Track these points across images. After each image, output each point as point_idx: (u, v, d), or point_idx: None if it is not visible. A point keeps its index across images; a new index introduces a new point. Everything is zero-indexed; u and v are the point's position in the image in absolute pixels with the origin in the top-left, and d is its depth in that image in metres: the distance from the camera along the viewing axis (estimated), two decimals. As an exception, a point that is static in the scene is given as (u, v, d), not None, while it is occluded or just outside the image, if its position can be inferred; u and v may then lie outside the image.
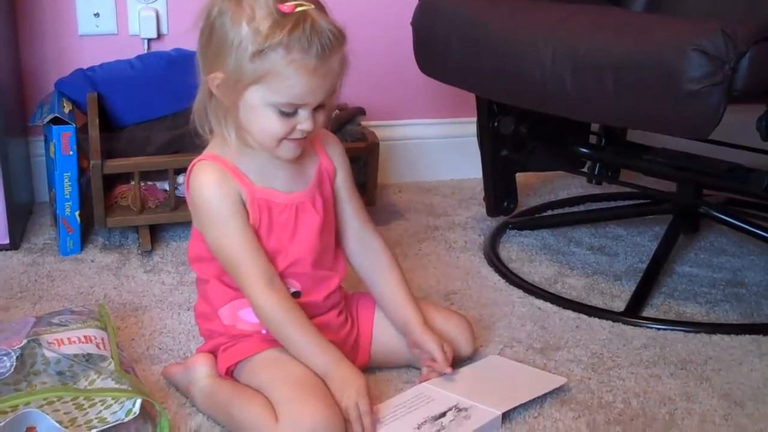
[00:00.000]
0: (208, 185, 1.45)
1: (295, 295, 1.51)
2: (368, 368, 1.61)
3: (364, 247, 1.60)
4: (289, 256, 1.50)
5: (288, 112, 1.41)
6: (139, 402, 1.35)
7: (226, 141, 1.46)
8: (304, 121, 1.42)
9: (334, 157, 1.57)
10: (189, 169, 1.50)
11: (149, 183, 2.14)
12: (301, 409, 1.37)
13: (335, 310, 1.57)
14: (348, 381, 1.43)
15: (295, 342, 1.46)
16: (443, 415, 1.47)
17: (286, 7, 1.36)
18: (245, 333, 1.51)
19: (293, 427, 1.36)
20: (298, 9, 1.36)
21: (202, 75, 1.45)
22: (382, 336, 1.61)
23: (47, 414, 1.32)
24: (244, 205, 1.46)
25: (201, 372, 1.52)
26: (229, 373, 1.51)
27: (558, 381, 1.59)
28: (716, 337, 1.77)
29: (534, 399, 1.53)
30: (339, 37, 1.39)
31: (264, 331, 1.50)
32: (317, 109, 1.43)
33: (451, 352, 1.57)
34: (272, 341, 1.49)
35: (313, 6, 1.38)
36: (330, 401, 1.40)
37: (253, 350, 1.50)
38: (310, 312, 1.51)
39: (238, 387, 1.48)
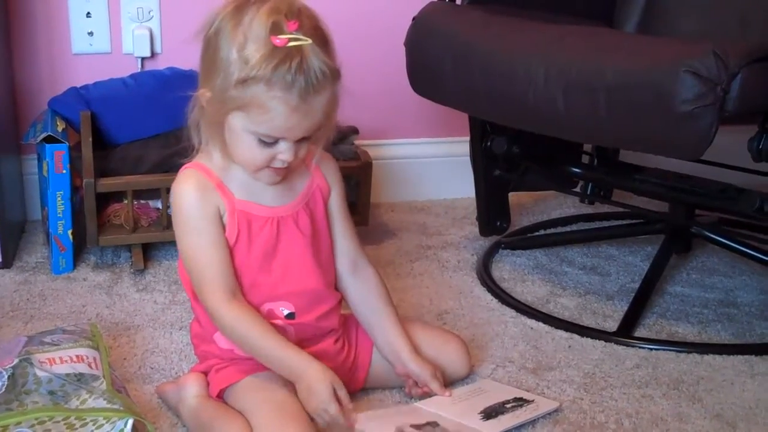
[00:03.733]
0: (188, 193, 1.46)
1: (289, 316, 1.51)
2: (362, 389, 1.61)
3: (353, 270, 1.60)
4: (273, 273, 1.50)
5: (268, 142, 1.40)
6: (130, 422, 1.35)
7: (210, 151, 1.47)
8: (284, 152, 1.41)
9: (328, 176, 1.57)
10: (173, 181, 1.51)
11: (142, 201, 2.14)
12: None
13: (332, 337, 1.57)
14: (313, 389, 1.42)
15: (260, 351, 1.46)
16: (434, 425, 1.47)
17: (278, 41, 1.35)
18: (244, 357, 1.51)
19: None
20: (292, 44, 1.35)
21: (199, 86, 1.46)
22: (380, 360, 1.61)
23: (38, 434, 1.32)
24: (222, 218, 1.47)
25: (191, 391, 1.52)
26: (221, 395, 1.51)
27: (550, 405, 1.58)
28: (708, 357, 1.78)
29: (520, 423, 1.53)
30: (328, 76, 1.37)
31: None
32: (301, 141, 1.42)
33: (441, 378, 1.57)
34: (260, 365, 1.49)
35: (309, 41, 1.36)
36: (310, 428, 1.40)
37: (245, 374, 1.49)
38: (305, 335, 1.51)
39: (222, 409, 1.48)
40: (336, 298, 1.57)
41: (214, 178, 1.47)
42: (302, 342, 1.50)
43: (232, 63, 1.36)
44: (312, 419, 1.43)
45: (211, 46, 1.40)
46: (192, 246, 1.46)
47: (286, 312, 1.51)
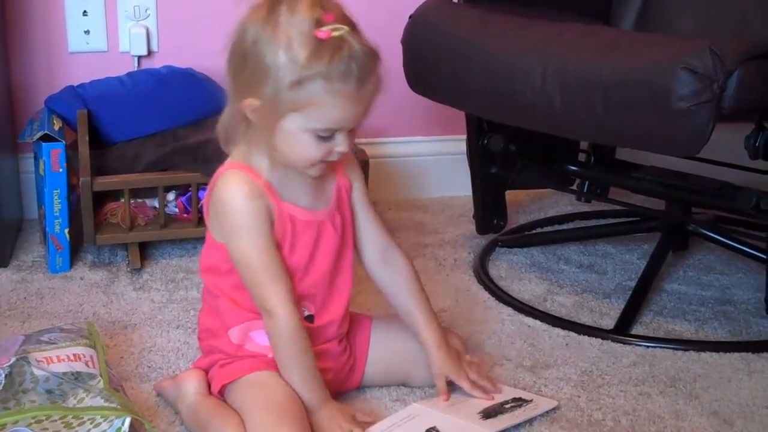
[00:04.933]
0: (238, 195, 1.43)
1: (308, 319, 1.51)
2: (357, 390, 1.62)
3: (383, 259, 1.59)
4: (308, 276, 1.49)
5: (325, 137, 1.40)
6: (128, 420, 1.35)
7: (251, 152, 1.45)
8: (341, 143, 1.41)
9: (349, 171, 1.56)
10: (214, 177, 1.48)
11: (139, 200, 2.14)
12: None
13: (338, 338, 1.57)
14: (335, 417, 1.44)
15: (293, 367, 1.45)
16: (436, 430, 1.47)
17: (322, 33, 1.34)
18: (251, 354, 1.50)
19: None
20: (335, 34, 1.34)
21: (232, 98, 1.43)
22: (376, 361, 1.61)
23: (36, 432, 1.32)
24: (271, 219, 1.45)
25: (190, 388, 1.52)
26: (222, 391, 1.50)
27: (549, 404, 1.59)
28: (705, 355, 1.78)
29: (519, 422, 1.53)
30: (374, 58, 1.38)
31: (270, 355, 1.49)
32: (351, 129, 1.42)
33: (481, 384, 1.57)
34: (269, 364, 1.48)
35: (347, 28, 1.36)
36: (303, 429, 1.40)
37: (248, 371, 1.49)
38: (316, 338, 1.51)
39: (220, 407, 1.48)
40: (347, 301, 1.57)
41: (261, 179, 1.44)
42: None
43: (281, 67, 1.35)
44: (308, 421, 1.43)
45: (251, 56, 1.37)
46: (248, 248, 1.43)
47: (307, 314, 1.50)
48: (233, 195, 1.44)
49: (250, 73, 1.38)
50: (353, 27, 1.39)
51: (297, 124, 1.38)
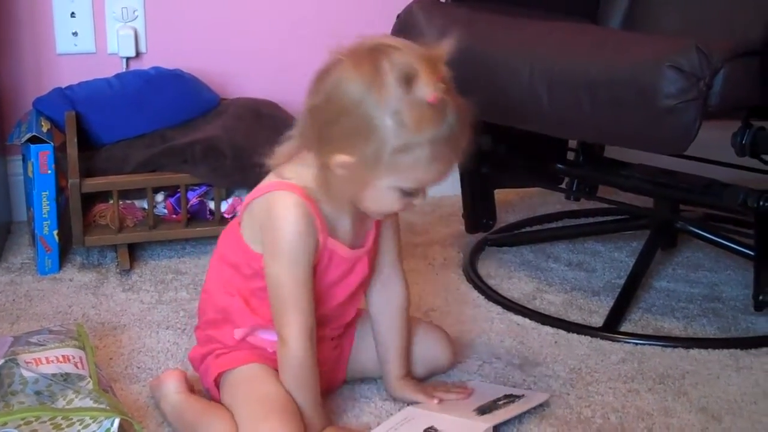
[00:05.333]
0: (296, 223, 1.40)
1: None
2: (348, 387, 1.62)
3: (383, 281, 1.58)
4: (321, 304, 1.49)
5: (411, 192, 1.39)
6: (117, 421, 1.35)
7: (307, 174, 1.41)
8: (421, 198, 1.41)
9: None
10: (267, 187, 1.44)
11: (128, 201, 2.14)
12: (260, 427, 1.39)
13: (334, 341, 1.58)
14: None
15: (297, 396, 1.44)
16: (434, 431, 1.47)
17: (431, 98, 1.30)
18: (251, 346, 1.51)
19: None
20: (440, 96, 1.31)
21: (315, 147, 1.38)
22: (359, 356, 1.62)
23: (25, 434, 1.32)
24: (316, 251, 1.44)
25: (170, 388, 1.52)
26: (217, 380, 1.51)
27: (540, 397, 1.59)
28: (694, 352, 1.78)
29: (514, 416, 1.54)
30: (470, 115, 1.35)
31: (271, 350, 1.49)
32: None
33: (447, 398, 1.58)
34: (267, 359, 1.49)
35: (445, 87, 1.33)
36: (293, 422, 1.40)
37: (243, 361, 1.49)
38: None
39: (206, 405, 1.49)
40: (348, 322, 1.58)
41: (316, 210, 1.42)
42: None
43: (387, 130, 1.31)
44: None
45: (351, 114, 1.32)
46: (286, 274, 1.42)
47: None
48: (290, 223, 1.40)
49: (348, 131, 1.34)
50: (449, 84, 1.35)
51: (388, 183, 1.36)
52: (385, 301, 1.59)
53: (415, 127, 1.31)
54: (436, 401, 1.56)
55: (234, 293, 1.50)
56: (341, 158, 1.35)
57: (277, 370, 1.47)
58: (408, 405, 1.57)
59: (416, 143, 1.31)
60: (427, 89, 1.31)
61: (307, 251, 1.42)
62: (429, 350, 1.63)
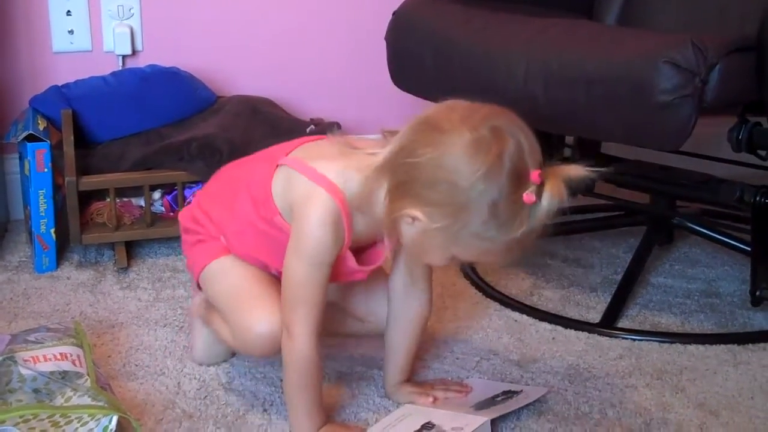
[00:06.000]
0: (327, 229, 1.40)
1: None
2: (345, 381, 1.62)
3: (406, 291, 1.57)
4: None
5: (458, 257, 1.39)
6: (115, 419, 1.35)
7: (354, 183, 1.40)
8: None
9: None
10: (314, 174, 1.41)
11: (125, 199, 2.14)
12: (244, 322, 1.49)
13: None
14: None
15: (299, 393, 1.45)
16: (431, 426, 1.47)
17: (527, 197, 1.28)
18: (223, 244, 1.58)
19: (242, 342, 1.52)
20: (535, 200, 1.29)
21: (394, 188, 1.34)
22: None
23: (23, 432, 1.32)
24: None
25: (197, 301, 1.68)
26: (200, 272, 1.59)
27: (539, 392, 1.59)
28: (691, 347, 1.78)
29: (510, 411, 1.54)
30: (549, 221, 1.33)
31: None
32: None
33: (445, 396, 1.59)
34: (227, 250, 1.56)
35: (554, 202, 1.30)
36: (270, 306, 1.48)
37: (212, 256, 1.57)
38: None
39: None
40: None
41: (348, 223, 1.41)
42: None
43: (477, 215, 1.28)
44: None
45: (449, 184, 1.29)
46: (304, 275, 1.42)
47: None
48: (322, 232, 1.40)
49: (441, 200, 1.30)
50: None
51: (451, 250, 1.35)
52: (406, 308, 1.58)
53: (506, 224, 1.29)
54: (431, 400, 1.56)
55: (246, 226, 1.53)
56: (417, 214, 1.32)
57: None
58: (405, 403, 1.57)
59: (498, 239, 1.31)
60: (530, 191, 1.28)
61: (330, 258, 1.42)
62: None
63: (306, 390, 1.45)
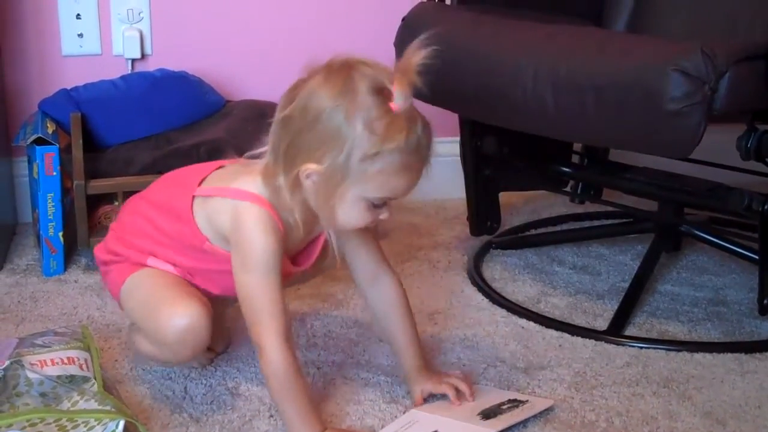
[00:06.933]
0: (265, 239, 1.43)
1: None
2: (350, 387, 1.62)
3: (373, 280, 1.60)
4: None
5: (378, 205, 1.41)
6: (122, 423, 1.35)
7: (271, 186, 1.44)
8: (386, 211, 1.43)
9: None
10: (230, 192, 1.47)
11: (133, 203, 2.14)
12: (160, 321, 1.50)
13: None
14: None
15: (288, 405, 1.45)
16: None
17: (396, 106, 1.34)
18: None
19: (162, 343, 1.51)
20: (405, 107, 1.34)
21: (283, 156, 1.40)
22: None
23: (30, 436, 1.32)
24: None
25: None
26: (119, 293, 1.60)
27: (545, 403, 1.59)
28: (698, 356, 1.78)
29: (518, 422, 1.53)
30: (431, 129, 1.39)
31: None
32: None
33: (461, 388, 1.58)
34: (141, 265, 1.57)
35: (412, 99, 1.36)
36: (187, 299, 1.49)
37: (129, 271, 1.57)
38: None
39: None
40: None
41: (280, 222, 1.45)
42: None
43: (357, 137, 1.33)
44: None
45: (322, 123, 1.35)
46: (258, 285, 1.44)
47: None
48: (261, 240, 1.43)
49: (319, 139, 1.36)
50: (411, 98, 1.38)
51: (356, 193, 1.38)
52: (380, 299, 1.60)
53: (386, 134, 1.33)
54: (444, 388, 1.56)
55: (166, 258, 1.56)
56: (311, 167, 1.37)
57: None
58: (412, 408, 1.57)
59: (386, 151, 1.34)
60: (397, 99, 1.34)
61: (277, 261, 1.45)
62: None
63: (293, 399, 1.45)
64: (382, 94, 1.34)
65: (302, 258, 1.58)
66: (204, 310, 1.49)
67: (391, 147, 1.34)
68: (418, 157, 1.37)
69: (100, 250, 1.65)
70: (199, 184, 1.53)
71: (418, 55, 1.35)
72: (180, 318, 1.48)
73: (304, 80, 1.40)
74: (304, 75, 1.41)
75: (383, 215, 1.43)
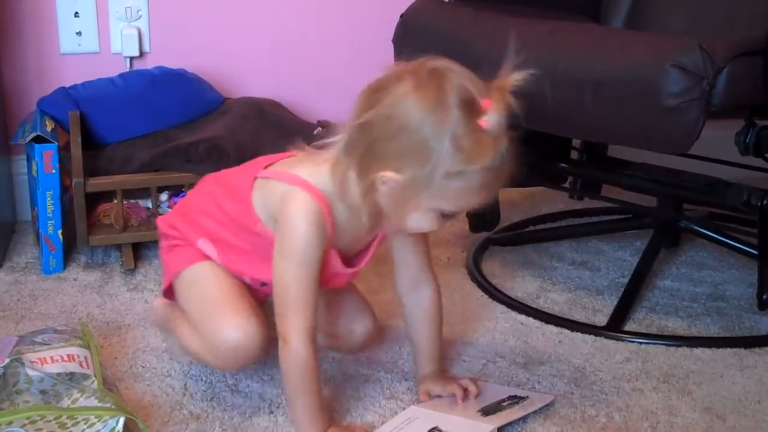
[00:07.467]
0: (310, 228, 1.41)
1: (263, 284, 1.56)
2: (350, 383, 1.62)
3: (413, 286, 1.60)
4: None
5: (450, 215, 1.39)
6: (122, 420, 1.35)
7: (338, 182, 1.41)
8: (452, 219, 1.41)
9: None
10: (288, 177, 1.45)
11: (132, 201, 2.14)
12: (216, 332, 1.49)
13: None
14: None
15: (299, 398, 1.45)
16: (438, 431, 1.47)
17: (486, 124, 1.30)
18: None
19: (214, 351, 1.51)
20: (497, 127, 1.31)
21: (359, 160, 1.36)
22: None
23: (30, 433, 1.32)
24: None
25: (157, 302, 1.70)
26: (172, 287, 1.60)
27: (545, 399, 1.59)
28: (698, 351, 1.78)
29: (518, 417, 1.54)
30: (515, 145, 1.35)
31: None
32: None
33: (470, 388, 1.58)
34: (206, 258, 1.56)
35: (504, 120, 1.32)
36: (247, 314, 1.48)
37: (190, 261, 1.57)
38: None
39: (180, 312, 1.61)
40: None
41: (330, 218, 1.43)
42: None
43: (442, 154, 1.30)
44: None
45: (410, 131, 1.31)
46: (293, 275, 1.43)
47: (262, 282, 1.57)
48: (304, 229, 1.42)
49: (403, 150, 1.32)
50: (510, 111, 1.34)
51: (432, 204, 1.36)
52: (415, 304, 1.60)
53: (472, 154, 1.30)
54: (453, 388, 1.57)
55: (226, 244, 1.55)
56: (389, 175, 1.34)
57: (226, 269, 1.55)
58: (413, 404, 1.57)
59: (470, 171, 1.32)
60: (491, 118, 1.30)
61: (317, 255, 1.43)
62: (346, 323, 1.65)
63: (306, 394, 1.45)
64: (471, 107, 1.31)
65: (356, 260, 1.54)
66: (259, 329, 1.48)
67: (475, 167, 1.31)
68: (498, 175, 1.34)
69: (163, 222, 1.65)
70: (266, 168, 1.51)
71: (515, 75, 1.33)
72: (235, 331, 1.48)
73: (390, 83, 1.35)
74: (386, 76, 1.36)
75: (448, 222, 1.41)
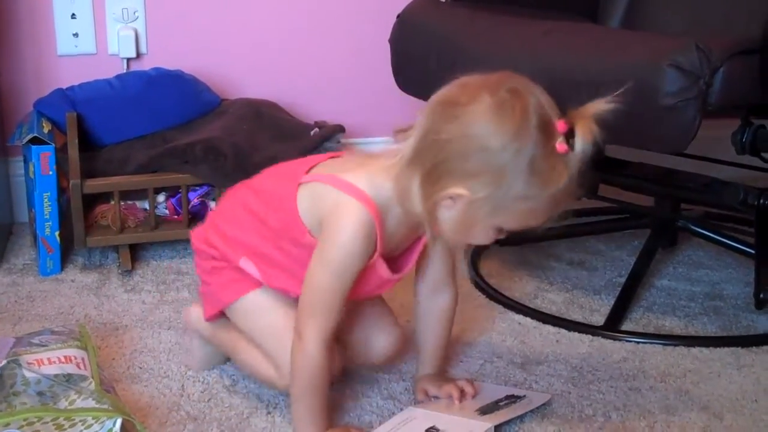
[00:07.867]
0: (354, 242, 1.39)
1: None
2: (348, 384, 1.62)
3: (432, 291, 1.59)
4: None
5: (506, 229, 1.38)
6: (119, 421, 1.35)
7: (383, 188, 1.39)
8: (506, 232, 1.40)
9: None
10: (342, 184, 1.40)
11: (129, 202, 2.14)
12: (284, 352, 1.45)
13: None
14: None
15: (304, 399, 1.45)
16: (436, 430, 1.47)
17: (560, 146, 1.30)
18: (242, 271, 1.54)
19: (273, 368, 1.50)
20: (580, 154, 1.30)
21: (426, 173, 1.33)
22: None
23: (27, 434, 1.32)
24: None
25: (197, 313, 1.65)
26: (217, 312, 1.58)
27: (542, 398, 1.59)
28: (695, 350, 1.78)
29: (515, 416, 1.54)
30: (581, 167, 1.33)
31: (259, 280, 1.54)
32: None
33: (467, 389, 1.58)
34: (257, 284, 1.53)
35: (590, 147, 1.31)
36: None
37: (242, 291, 1.54)
38: None
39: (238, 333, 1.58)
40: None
41: (380, 230, 1.40)
42: None
43: (518, 177, 1.29)
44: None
45: (482, 153, 1.30)
46: (328, 283, 1.41)
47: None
48: (351, 241, 1.39)
49: (475, 169, 1.30)
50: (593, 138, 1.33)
51: (494, 222, 1.35)
52: (431, 306, 1.60)
53: (547, 179, 1.30)
54: (450, 389, 1.56)
55: (274, 256, 1.51)
56: (459, 192, 1.32)
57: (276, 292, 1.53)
58: (411, 404, 1.57)
59: (542, 195, 1.31)
60: (577, 145, 1.30)
61: (357, 268, 1.41)
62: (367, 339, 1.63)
63: (312, 395, 1.45)
64: (547, 129, 1.30)
65: (401, 263, 1.51)
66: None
67: (548, 193, 1.31)
68: (566, 196, 1.33)
69: (197, 237, 1.60)
70: (307, 173, 1.47)
71: (600, 103, 1.32)
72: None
73: (462, 100, 1.32)
74: (461, 90, 1.34)
75: (502, 235, 1.40)
